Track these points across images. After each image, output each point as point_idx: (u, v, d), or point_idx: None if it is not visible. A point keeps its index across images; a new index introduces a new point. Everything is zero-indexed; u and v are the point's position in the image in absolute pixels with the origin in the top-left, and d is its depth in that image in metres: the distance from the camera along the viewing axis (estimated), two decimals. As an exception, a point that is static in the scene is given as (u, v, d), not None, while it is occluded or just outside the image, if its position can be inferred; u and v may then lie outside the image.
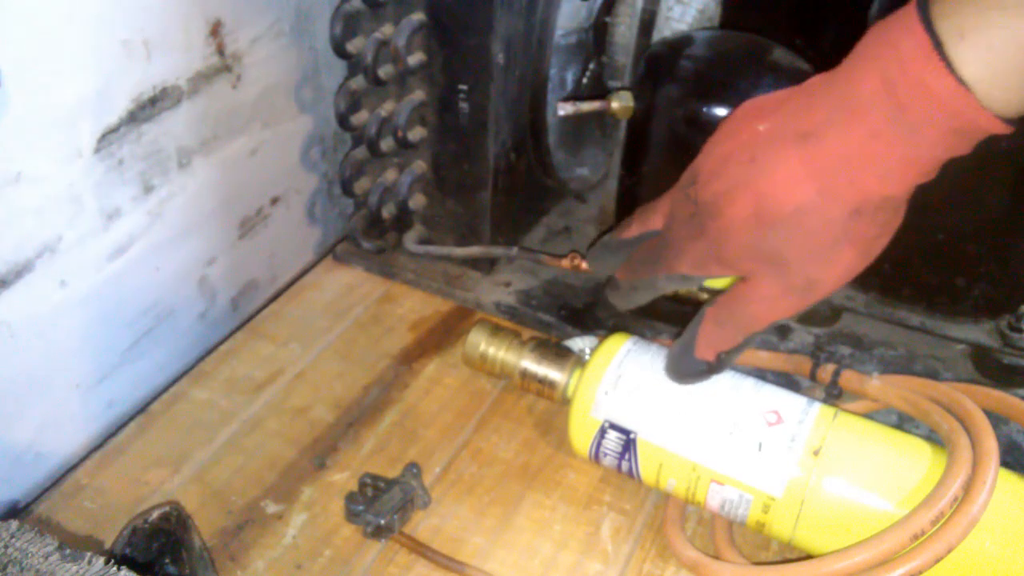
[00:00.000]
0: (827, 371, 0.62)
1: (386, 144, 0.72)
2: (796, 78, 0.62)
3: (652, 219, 0.54)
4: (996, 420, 0.54)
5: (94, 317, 0.61)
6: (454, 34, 0.66)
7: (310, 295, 0.77)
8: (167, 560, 0.49)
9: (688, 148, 0.63)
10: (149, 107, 0.60)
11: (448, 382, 0.68)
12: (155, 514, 0.49)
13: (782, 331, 0.72)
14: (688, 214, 0.51)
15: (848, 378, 0.62)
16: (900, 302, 0.70)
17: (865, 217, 0.46)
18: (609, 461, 0.58)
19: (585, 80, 0.77)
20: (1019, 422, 0.59)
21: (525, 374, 0.62)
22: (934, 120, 0.42)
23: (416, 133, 0.71)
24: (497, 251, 0.75)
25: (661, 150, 0.65)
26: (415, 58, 0.68)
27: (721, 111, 0.61)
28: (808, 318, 0.72)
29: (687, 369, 0.54)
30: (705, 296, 0.65)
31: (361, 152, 0.74)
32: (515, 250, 0.75)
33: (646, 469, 0.56)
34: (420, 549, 0.55)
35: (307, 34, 0.72)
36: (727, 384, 0.56)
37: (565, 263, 0.72)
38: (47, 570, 0.40)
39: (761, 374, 0.65)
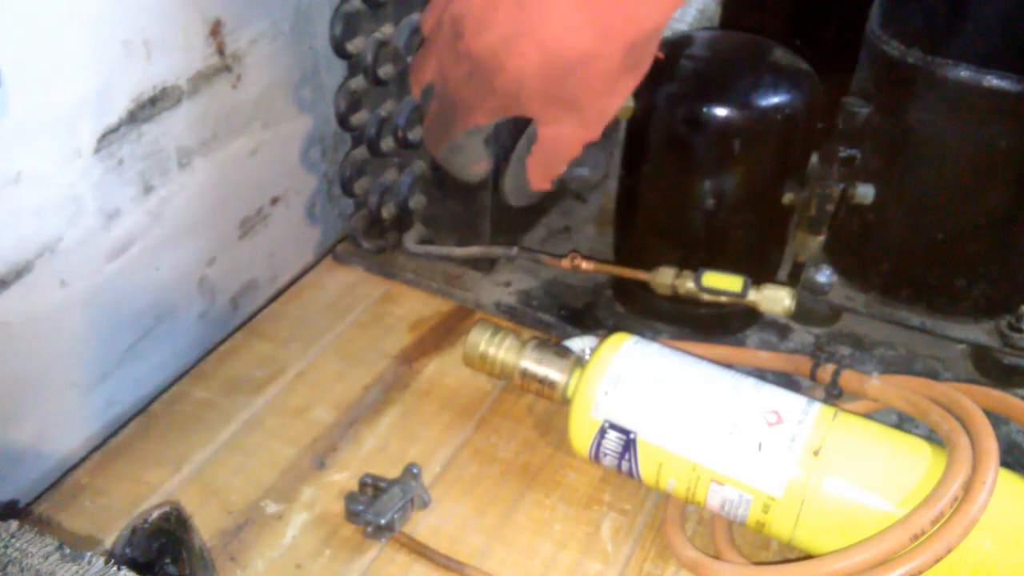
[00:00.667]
0: (827, 371, 0.62)
1: (386, 144, 0.72)
2: (796, 78, 0.63)
3: (424, 75, 0.55)
4: (996, 420, 0.55)
5: (94, 317, 0.61)
6: (454, 34, 0.66)
7: (310, 295, 0.77)
8: (167, 560, 0.49)
9: (688, 148, 0.64)
10: (149, 107, 0.60)
11: (448, 382, 0.68)
12: (155, 514, 0.49)
13: (782, 331, 0.72)
14: (465, 71, 0.51)
15: (848, 378, 0.62)
16: (900, 302, 0.70)
17: (639, 47, 0.49)
18: (609, 461, 0.58)
19: (585, 80, 0.77)
20: (1019, 422, 0.59)
21: (525, 374, 0.62)
22: None
23: (416, 133, 0.71)
24: (497, 251, 0.75)
25: (661, 150, 0.65)
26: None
27: (720, 111, 0.61)
28: (808, 318, 0.73)
29: (528, 197, 0.59)
30: (706, 297, 0.65)
31: (361, 152, 0.74)
32: (515, 250, 0.75)
33: (646, 469, 0.56)
34: (420, 549, 0.55)
35: (307, 34, 0.72)
36: (727, 384, 0.56)
37: (565, 263, 0.72)
38: (47, 570, 0.40)
39: (761, 374, 0.65)
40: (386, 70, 0.69)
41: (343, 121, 0.72)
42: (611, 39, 0.47)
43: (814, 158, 0.64)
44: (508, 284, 0.77)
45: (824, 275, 0.69)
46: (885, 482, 0.51)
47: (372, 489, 0.57)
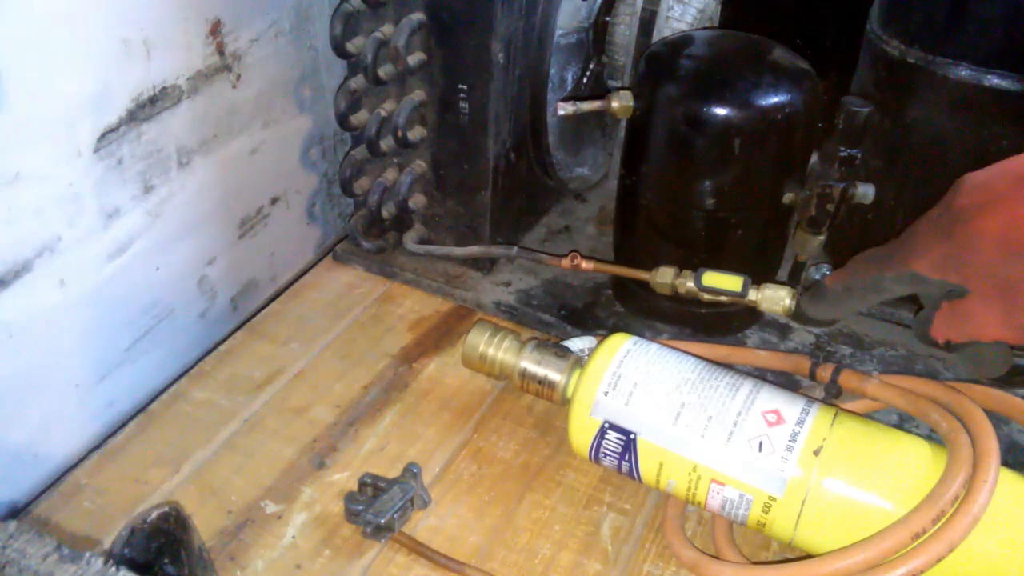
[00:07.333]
0: (827, 370, 0.62)
1: (386, 144, 0.72)
2: (796, 78, 0.63)
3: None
4: (996, 420, 0.54)
5: (94, 317, 0.61)
6: (454, 33, 0.66)
7: (310, 295, 0.77)
8: (166, 560, 0.48)
9: (688, 147, 0.64)
10: (149, 106, 0.60)
11: (448, 382, 0.68)
12: (154, 514, 0.49)
13: (782, 331, 0.72)
14: (936, 215, 0.50)
15: (848, 378, 0.61)
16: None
17: None
18: (609, 461, 0.58)
19: (585, 80, 0.77)
20: (1019, 422, 0.59)
21: (524, 374, 0.62)
22: None
23: (416, 133, 0.71)
24: (497, 251, 0.75)
25: (661, 150, 0.65)
26: (415, 58, 0.68)
27: (720, 110, 0.61)
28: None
29: (926, 342, 0.53)
30: (707, 296, 0.65)
31: (361, 152, 0.74)
32: (515, 250, 0.75)
33: (646, 469, 0.56)
34: (420, 549, 0.55)
35: (307, 34, 0.72)
36: (727, 384, 0.56)
37: (565, 263, 0.72)
38: (45, 570, 0.40)
39: (761, 374, 0.65)
40: (386, 70, 0.69)
41: (343, 121, 0.72)
42: None
43: (814, 158, 0.64)
44: (508, 284, 0.77)
45: (824, 274, 0.69)
46: (885, 482, 0.51)
47: (372, 489, 0.57)
